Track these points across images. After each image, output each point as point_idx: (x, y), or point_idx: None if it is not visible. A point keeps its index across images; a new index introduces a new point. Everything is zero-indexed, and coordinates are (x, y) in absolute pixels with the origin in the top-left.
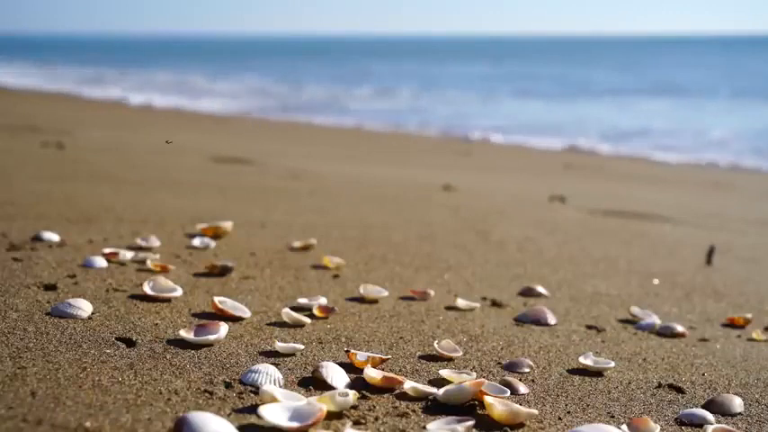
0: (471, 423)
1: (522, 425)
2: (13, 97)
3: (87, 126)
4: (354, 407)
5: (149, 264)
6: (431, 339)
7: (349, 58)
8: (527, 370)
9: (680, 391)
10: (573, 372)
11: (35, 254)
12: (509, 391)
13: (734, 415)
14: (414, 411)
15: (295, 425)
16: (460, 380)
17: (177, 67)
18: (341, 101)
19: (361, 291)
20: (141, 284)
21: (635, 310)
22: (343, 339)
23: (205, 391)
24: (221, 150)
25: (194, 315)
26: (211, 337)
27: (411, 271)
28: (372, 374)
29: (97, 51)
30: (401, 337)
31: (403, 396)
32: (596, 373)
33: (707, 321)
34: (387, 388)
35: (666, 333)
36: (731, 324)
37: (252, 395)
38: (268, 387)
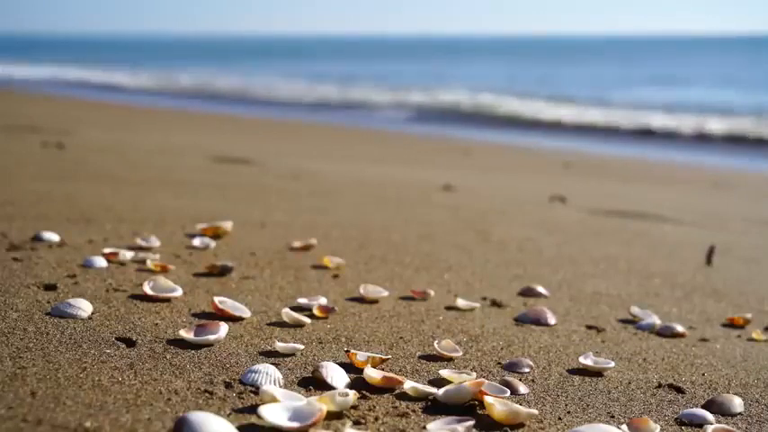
0: (471, 423)
1: (522, 425)
2: (13, 97)
3: (87, 126)
4: (354, 407)
5: (149, 264)
6: (431, 339)
7: (349, 58)
8: (527, 370)
9: (680, 391)
10: (573, 372)
11: (35, 254)
12: (509, 391)
13: (734, 415)
14: (414, 411)
15: (295, 425)
16: (460, 380)
17: (176, 67)
18: (339, 101)
19: (361, 291)
20: (141, 284)
21: (635, 310)
22: (343, 339)
23: (205, 391)
24: (221, 150)
25: (194, 315)
26: (211, 337)
27: (411, 271)
28: (372, 374)
29: (100, 52)
30: (401, 337)
31: (403, 396)
32: (596, 373)
33: (707, 321)
34: (387, 388)
35: (666, 333)
36: (731, 324)
37: (252, 395)
38: (268, 387)
